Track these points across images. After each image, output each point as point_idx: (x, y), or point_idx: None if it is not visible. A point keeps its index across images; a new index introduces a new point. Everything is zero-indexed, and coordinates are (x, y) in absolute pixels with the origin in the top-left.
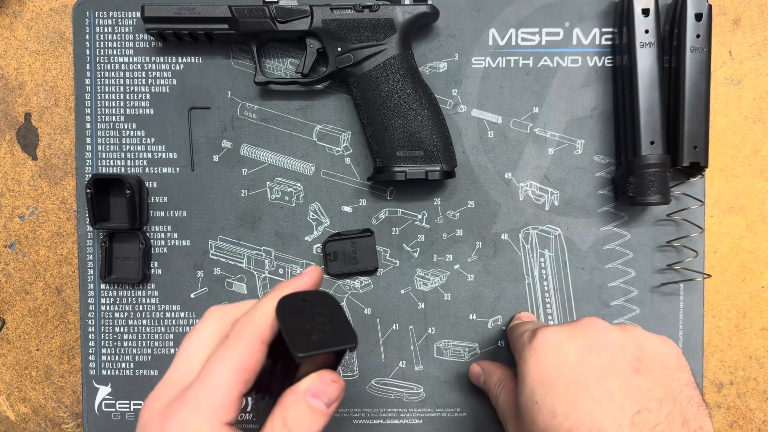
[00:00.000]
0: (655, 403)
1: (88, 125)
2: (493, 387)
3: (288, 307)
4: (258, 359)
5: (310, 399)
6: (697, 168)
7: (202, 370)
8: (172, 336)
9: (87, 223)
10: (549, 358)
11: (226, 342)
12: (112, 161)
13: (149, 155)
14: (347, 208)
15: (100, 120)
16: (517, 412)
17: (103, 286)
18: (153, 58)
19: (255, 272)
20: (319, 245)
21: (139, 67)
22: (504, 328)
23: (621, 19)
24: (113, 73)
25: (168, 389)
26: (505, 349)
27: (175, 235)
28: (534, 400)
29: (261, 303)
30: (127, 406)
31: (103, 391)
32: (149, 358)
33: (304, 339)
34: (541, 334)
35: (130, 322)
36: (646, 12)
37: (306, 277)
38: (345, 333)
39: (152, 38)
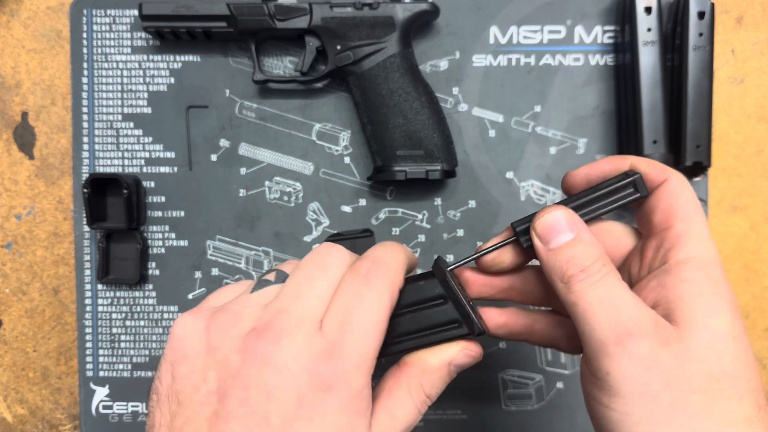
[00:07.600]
0: None
1: (85, 124)
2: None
3: (440, 268)
4: (391, 308)
5: (453, 368)
6: (700, 167)
7: (346, 312)
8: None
9: (84, 223)
10: None
11: (365, 281)
12: (109, 161)
13: (147, 154)
14: (347, 208)
15: (97, 119)
16: None
17: (100, 286)
18: (151, 57)
19: (254, 273)
20: (318, 245)
21: (136, 65)
22: None
23: (623, 17)
24: (111, 71)
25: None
26: (507, 351)
27: (173, 236)
28: None
29: (395, 247)
30: (125, 407)
31: (101, 392)
32: (147, 359)
33: (475, 311)
34: None
35: (128, 323)
36: (648, 10)
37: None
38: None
39: (150, 36)
